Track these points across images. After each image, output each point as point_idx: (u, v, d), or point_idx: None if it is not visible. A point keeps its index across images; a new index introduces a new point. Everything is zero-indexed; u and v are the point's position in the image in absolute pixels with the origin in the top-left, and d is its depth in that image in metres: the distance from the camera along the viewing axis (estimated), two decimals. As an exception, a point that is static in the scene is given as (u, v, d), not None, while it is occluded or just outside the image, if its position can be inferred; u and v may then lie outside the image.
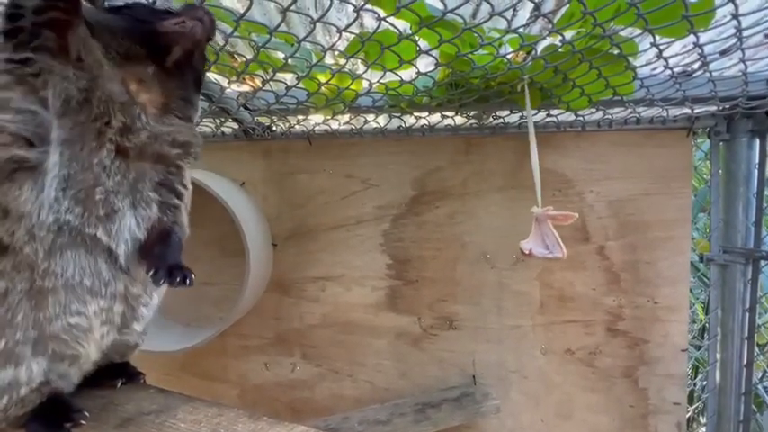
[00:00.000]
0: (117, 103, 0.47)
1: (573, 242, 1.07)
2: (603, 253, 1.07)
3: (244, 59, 0.69)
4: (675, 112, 0.96)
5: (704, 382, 1.48)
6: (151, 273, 0.48)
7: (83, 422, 0.46)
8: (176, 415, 0.46)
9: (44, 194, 0.44)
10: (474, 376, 1.11)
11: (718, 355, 1.06)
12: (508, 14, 0.57)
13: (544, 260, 0.86)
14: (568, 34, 0.66)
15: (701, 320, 1.89)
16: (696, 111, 0.95)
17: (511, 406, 1.10)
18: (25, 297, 0.44)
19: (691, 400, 1.71)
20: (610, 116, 0.97)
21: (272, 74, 0.72)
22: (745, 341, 1.01)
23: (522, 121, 1.00)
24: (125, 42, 0.49)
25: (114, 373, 0.57)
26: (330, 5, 0.52)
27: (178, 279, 0.47)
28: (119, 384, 0.56)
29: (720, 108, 0.91)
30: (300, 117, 0.98)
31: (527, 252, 0.73)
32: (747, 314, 1.01)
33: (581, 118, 0.98)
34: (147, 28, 0.50)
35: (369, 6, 0.55)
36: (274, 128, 1.09)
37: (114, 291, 0.49)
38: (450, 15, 0.55)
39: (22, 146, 0.43)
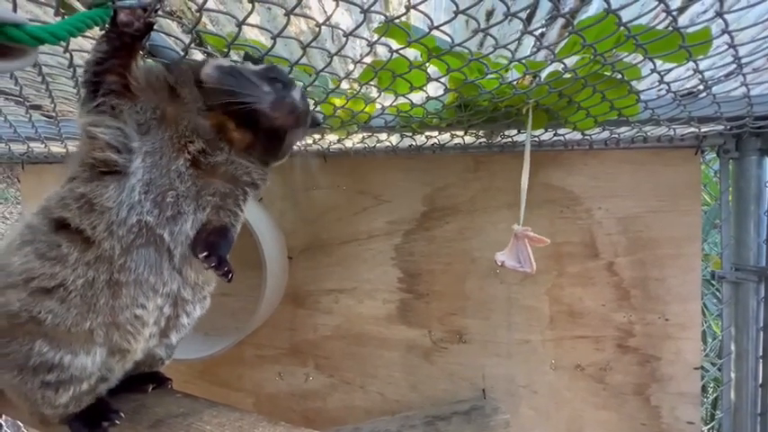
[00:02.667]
0: (202, 138, 0.54)
1: (582, 258, 1.08)
2: (613, 269, 1.08)
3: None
4: (683, 131, 0.98)
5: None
6: (204, 254, 0.53)
7: (118, 422, 0.50)
8: (202, 418, 0.50)
9: (125, 195, 0.50)
10: (484, 390, 1.12)
11: (732, 375, 1.04)
12: (512, 46, 0.60)
13: (520, 273, 0.90)
14: (572, 60, 0.69)
15: (719, 338, 1.85)
16: (703, 130, 0.96)
17: (521, 421, 1.10)
18: (106, 286, 0.50)
19: (712, 419, 1.67)
20: (617, 135, 0.99)
21: (291, 100, 0.77)
22: (760, 360, 1.00)
23: (530, 139, 1.03)
24: (227, 105, 0.54)
25: (145, 379, 0.62)
26: (346, 42, 0.57)
27: (225, 269, 0.53)
28: (149, 389, 0.61)
29: (728, 127, 0.93)
30: (317, 136, 1.03)
31: (499, 263, 0.82)
32: (762, 333, 1.00)
33: (588, 137, 1.01)
34: (248, 106, 0.54)
35: (382, 39, 0.60)
36: (292, 146, 1.14)
37: (169, 290, 0.54)
38: (457, 47, 0.59)
39: (114, 151, 0.51)
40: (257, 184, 0.61)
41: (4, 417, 0.75)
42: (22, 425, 1.29)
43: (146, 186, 0.51)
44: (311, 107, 0.81)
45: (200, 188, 0.55)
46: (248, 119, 0.55)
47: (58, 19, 0.49)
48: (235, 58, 0.64)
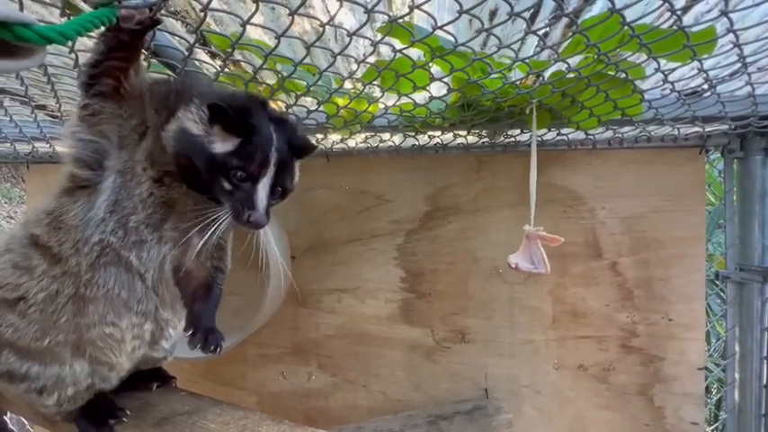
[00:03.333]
0: (162, 163, 0.52)
1: (585, 258, 1.08)
2: (616, 269, 1.08)
3: (269, 86, 0.75)
4: (687, 130, 0.97)
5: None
6: (189, 334, 0.52)
7: (124, 419, 0.51)
8: (206, 416, 0.50)
9: (92, 213, 0.50)
10: (486, 390, 1.12)
11: (736, 375, 1.04)
12: (516, 46, 0.60)
13: (534, 274, 0.89)
14: (575, 60, 0.69)
15: (722, 338, 1.84)
16: (708, 129, 0.96)
17: (523, 421, 1.10)
18: (70, 301, 0.50)
19: (716, 419, 1.66)
20: (620, 135, 0.99)
21: (295, 99, 0.77)
22: (765, 361, 1.00)
23: (532, 139, 1.03)
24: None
25: (149, 376, 0.62)
26: (349, 42, 0.57)
27: (212, 348, 0.52)
28: (154, 387, 0.61)
29: (733, 127, 0.92)
30: (320, 136, 1.03)
31: (514, 266, 0.80)
32: (766, 334, 1.00)
33: (591, 136, 1.00)
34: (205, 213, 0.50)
35: (385, 39, 0.60)
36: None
37: (145, 309, 0.54)
38: (460, 47, 0.59)
39: (83, 167, 0.50)
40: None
41: (9, 414, 0.76)
42: (26, 422, 1.29)
43: (111, 206, 0.50)
44: (315, 105, 0.81)
45: (161, 218, 0.53)
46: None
47: (64, 20, 0.49)
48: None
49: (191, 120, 0.50)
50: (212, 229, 0.49)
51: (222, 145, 0.49)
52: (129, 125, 0.51)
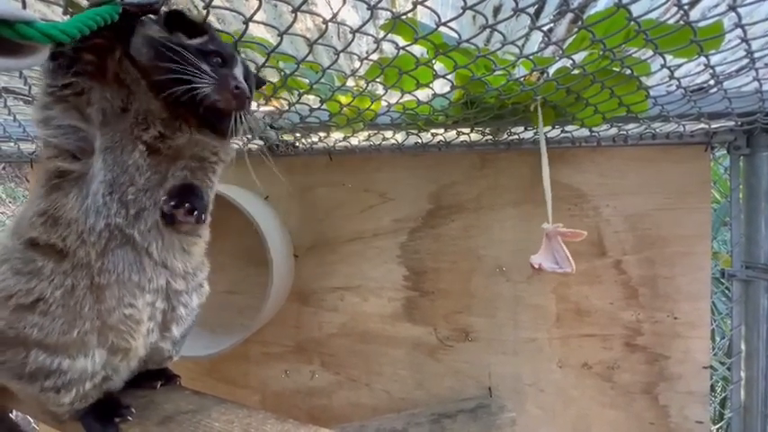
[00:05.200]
0: (158, 119, 0.51)
1: (589, 256, 1.07)
2: (620, 267, 1.07)
3: (271, 83, 0.74)
4: (692, 127, 0.96)
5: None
6: (163, 199, 0.51)
7: (129, 418, 0.51)
8: (210, 415, 0.50)
9: (89, 201, 0.48)
10: (490, 388, 1.11)
11: (742, 373, 1.03)
12: (520, 42, 0.60)
13: (559, 274, 0.87)
14: (580, 56, 0.68)
15: (728, 336, 1.83)
16: (714, 126, 0.95)
17: (527, 419, 1.10)
18: (88, 292, 0.50)
19: (721, 418, 1.65)
20: (625, 132, 0.98)
21: (298, 97, 0.77)
22: (771, 359, 0.99)
23: (536, 137, 1.02)
24: (163, 88, 0.49)
25: (153, 375, 0.62)
26: (352, 39, 0.56)
27: (186, 206, 0.50)
28: (158, 385, 0.61)
29: (739, 123, 0.91)
30: (322, 134, 1.03)
31: (536, 266, 0.76)
32: (772, 332, 0.99)
33: (596, 134, 1.00)
34: (188, 93, 0.49)
35: (389, 36, 0.60)
36: (298, 145, 1.14)
37: (157, 286, 0.53)
38: (464, 44, 0.59)
39: (66, 158, 0.48)
40: (224, 161, 0.59)
41: (15, 412, 0.76)
42: (32, 420, 1.30)
43: (109, 187, 0.48)
44: (318, 103, 0.80)
45: (163, 175, 0.52)
46: (190, 103, 0.50)
47: (67, 18, 0.49)
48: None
49: (153, 30, 0.49)
50: (195, 92, 0.48)
51: (191, 40, 0.50)
52: (113, 103, 0.49)
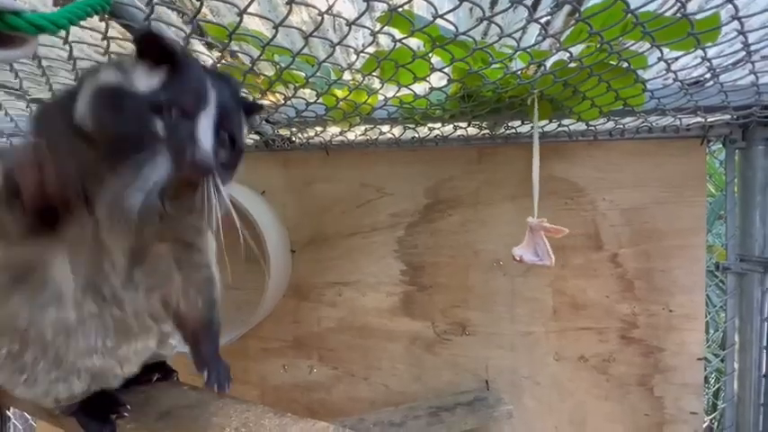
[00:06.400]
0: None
1: (585, 250, 1.08)
2: (617, 260, 1.07)
3: (267, 77, 0.74)
4: (688, 120, 0.97)
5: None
6: (204, 375, 0.54)
7: (126, 414, 0.51)
8: (209, 409, 0.50)
9: (67, 322, 0.46)
10: (487, 381, 1.12)
11: (736, 365, 1.04)
12: (517, 35, 0.59)
13: (552, 268, 0.89)
14: (577, 49, 0.68)
15: (722, 328, 1.85)
16: (710, 119, 0.95)
17: (524, 412, 1.11)
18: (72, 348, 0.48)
19: (714, 409, 1.68)
20: (621, 126, 0.98)
21: (293, 91, 0.76)
22: (764, 351, 1.00)
23: (533, 131, 1.02)
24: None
25: (150, 368, 0.62)
26: (348, 32, 0.56)
27: (226, 389, 0.53)
28: (154, 378, 0.61)
29: (735, 117, 0.91)
30: (319, 129, 1.03)
31: (518, 258, 0.79)
32: (766, 324, 1.00)
33: (593, 128, 1.00)
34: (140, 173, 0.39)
35: (385, 28, 0.59)
36: (294, 139, 1.14)
37: (147, 327, 0.54)
38: (461, 36, 0.59)
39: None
40: (202, 230, 0.56)
41: (12, 409, 0.76)
42: (29, 417, 1.30)
43: (81, 295, 0.47)
44: (314, 97, 0.80)
45: (132, 272, 0.49)
46: None
47: (58, 9, 0.48)
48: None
49: (103, 76, 0.41)
50: (147, 178, 0.37)
51: (147, 82, 0.40)
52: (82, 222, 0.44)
